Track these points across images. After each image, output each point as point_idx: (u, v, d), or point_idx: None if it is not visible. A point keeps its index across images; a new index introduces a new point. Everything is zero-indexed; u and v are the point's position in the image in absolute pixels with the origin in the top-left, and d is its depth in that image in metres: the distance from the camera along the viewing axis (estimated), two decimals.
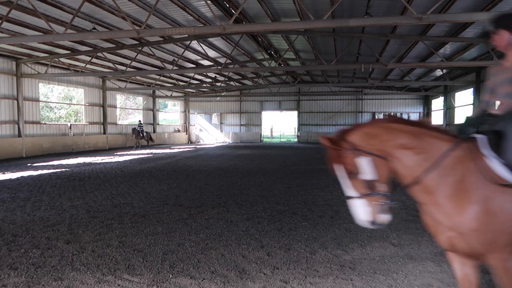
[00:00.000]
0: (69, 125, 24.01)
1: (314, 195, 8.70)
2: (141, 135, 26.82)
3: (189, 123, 38.28)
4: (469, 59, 19.87)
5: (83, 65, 21.55)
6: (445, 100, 27.82)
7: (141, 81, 30.02)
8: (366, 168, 2.52)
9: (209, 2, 12.10)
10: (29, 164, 15.73)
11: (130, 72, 21.49)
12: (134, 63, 22.27)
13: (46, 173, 12.76)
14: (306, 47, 21.32)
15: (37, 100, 21.73)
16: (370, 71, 24.81)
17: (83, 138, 24.45)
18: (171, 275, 4.10)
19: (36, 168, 14.28)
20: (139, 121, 28.72)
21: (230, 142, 36.72)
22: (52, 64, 20.99)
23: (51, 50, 18.85)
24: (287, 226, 6.09)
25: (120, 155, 20.59)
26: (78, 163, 16.18)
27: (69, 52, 18.92)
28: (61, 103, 35.50)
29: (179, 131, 36.79)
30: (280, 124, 48.73)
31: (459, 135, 2.62)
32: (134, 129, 26.79)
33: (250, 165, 15.45)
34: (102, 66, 22.77)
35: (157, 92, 33.24)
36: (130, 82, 29.10)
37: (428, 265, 4.37)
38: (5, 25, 13.83)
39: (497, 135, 2.54)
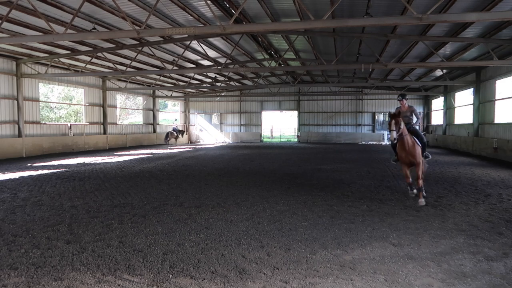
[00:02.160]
0: (69, 125, 23.99)
1: (314, 195, 8.70)
2: (176, 134, 30.13)
3: (189, 123, 38.29)
4: (469, 59, 19.86)
5: (83, 65, 21.54)
6: (445, 100, 27.83)
7: (141, 81, 30.02)
8: None
9: (209, 2, 12.09)
10: (29, 164, 15.73)
11: (130, 72, 21.46)
12: (134, 63, 22.27)
13: (46, 173, 12.77)
14: (306, 47, 21.32)
15: (37, 100, 21.72)
16: (370, 71, 24.82)
17: (83, 138, 24.44)
18: (171, 275, 4.10)
19: (36, 168, 14.28)
20: (175, 125, 31.61)
21: (230, 142, 36.71)
22: (52, 64, 20.98)
23: (51, 50, 18.85)
24: (287, 226, 6.09)
25: (120, 155, 20.59)
26: (78, 163, 16.18)
27: (69, 52, 18.91)
28: (61, 103, 35.52)
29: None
30: (280, 124, 48.75)
31: None
32: (171, 133, 29.75)
33: (250, 165, 15.45)
34: (102, 66, 22.76)
35: (157, 92, 33.22)
36: (130, 82, 29.10)
37: (428, 265, 4.37)
38: (5, 25, 13.84)
39: None
